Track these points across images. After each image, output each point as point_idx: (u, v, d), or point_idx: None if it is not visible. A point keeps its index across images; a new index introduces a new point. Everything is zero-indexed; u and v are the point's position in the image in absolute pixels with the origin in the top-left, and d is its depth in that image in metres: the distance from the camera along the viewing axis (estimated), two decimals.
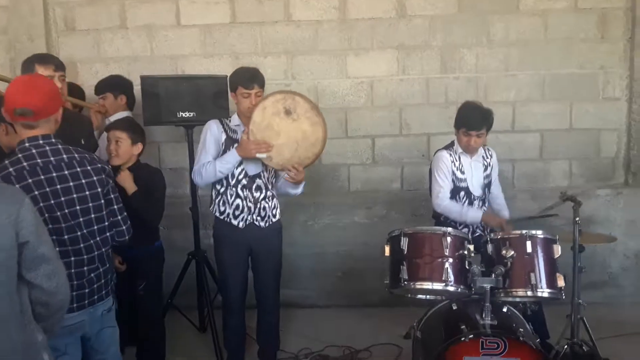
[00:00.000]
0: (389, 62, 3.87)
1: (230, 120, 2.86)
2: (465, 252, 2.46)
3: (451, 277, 2.41)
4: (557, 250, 2.46)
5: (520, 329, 2.30)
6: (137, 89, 3.33)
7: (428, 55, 3.85)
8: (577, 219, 2.56)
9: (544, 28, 3.81)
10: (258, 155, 2.65)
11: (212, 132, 2.80)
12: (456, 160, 3.01)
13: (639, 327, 3.45)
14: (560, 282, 2.41)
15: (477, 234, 3.00)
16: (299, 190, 2.86)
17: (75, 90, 3.43)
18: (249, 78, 2.71)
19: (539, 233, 2.47)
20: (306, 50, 3.86)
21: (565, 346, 2.62)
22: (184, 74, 3.80)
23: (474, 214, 2.93)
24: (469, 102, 3.04)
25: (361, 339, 3.36)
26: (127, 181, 2.73)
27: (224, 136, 2.79)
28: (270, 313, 3.03)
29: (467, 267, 2.45)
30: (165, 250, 3.84)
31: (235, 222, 2.81)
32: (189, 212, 3.47)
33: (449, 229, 2.55)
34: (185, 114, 3.19)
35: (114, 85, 3.35)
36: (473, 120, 2.88)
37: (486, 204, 3.10)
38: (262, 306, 3.01)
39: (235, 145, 2.73)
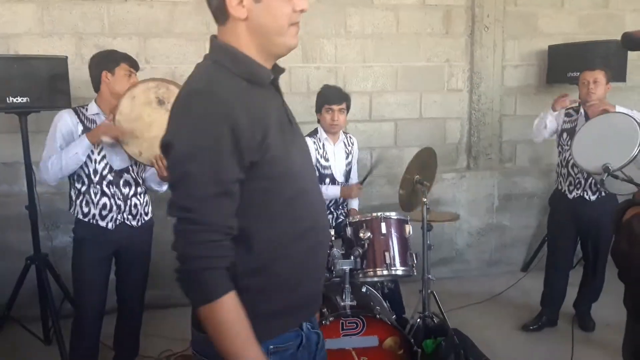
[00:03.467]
0: None
1: (86, 109, 2.53)
2: None
3: None
4: (409, 229, 2.60)
5: (377, 307, 2.40)
6: None
7: None
8: (425, 199, 2.73)
9: (396, 22, 4.03)
10: (112, 142, 2.38)
11: (63, 124, 2.46)
12: (320, 148, 3.06)
13: (481, 296, 3.85)
14: (412, 260, 2.56)
15: (340, 220, 3.08)
16: (163, 188, 2.65)
17: None
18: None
19: (393, 214, 2.59)
20: (160, 33, 3.64)
21: (418, 319, 2.79)
22: (15, 54, 3.34)
23: (333, 190, 3.05)
24: (325, 85, 3.15)
25: None
26: None
27: (80, 127, 2.46)
28: (134, 318, 2.80)
29: (327, 251, 2.48)
30: (1, 254, 3.42)
31: (103, 223, 2.51)
32: (26, 212, 3.07)
33: None
34: (17, 99, 2.80)
35: None
36: (332, 96, 3.00)
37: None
38: (125, 310, 2.77)
39: None
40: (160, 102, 2.42)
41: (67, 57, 2.99)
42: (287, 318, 1.27)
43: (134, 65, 2.52)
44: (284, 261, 1.24)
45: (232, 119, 1.12)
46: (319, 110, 3.05)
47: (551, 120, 3.26)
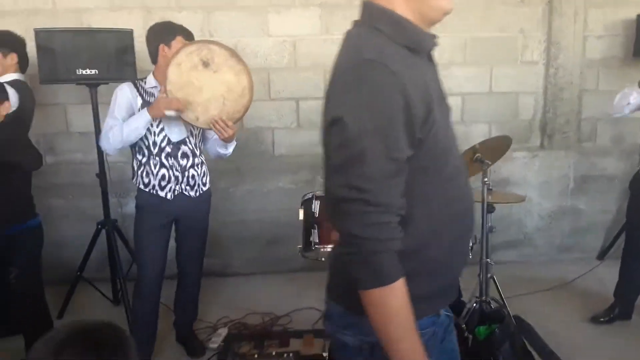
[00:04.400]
0: (312, 21, 3.73)
1: (145, 82, 2.60)
2: None
3: None
4: None
5: None
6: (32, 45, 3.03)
7: (352, 15, 3.71)
8: (486, 179, 2.58)
9: None
10: (176, 114, 2.42)
11: (123, 95, 2.54)
12: None
13: (549, 283, 3.62)
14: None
15: None
16: (230, 149, 2.68)
17: None
18: None
19: None
20: (224, 6, 3.65)
21: (475, 304, 2.68)
22: (84, 27, 3.49)
23: None
24: None
25: (283, 305, 3.32)
26: None
27: (139, 100, 2.55)
28: (193, 284, 2.91)
29: None
30: (74, 219, 3.66)
31: (162, 194, 2.60)
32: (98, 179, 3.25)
33: None
34: (86, 71, 2.93)
35: (2, 42, 2.97)
36: None
37: None
38: (185, 277, 2.88)
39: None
40: (205, 64, 2.41)
41: (132, 30, 3.08)
42: (429, 303, 1.23)
43: (190, 37, 2.55)
44: (437, 245, 1.19)
45: (406, 92, 1.05)
46: None
47: (635, 97, 2.95)
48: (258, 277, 3.83)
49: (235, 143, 2.66)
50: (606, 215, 4.10)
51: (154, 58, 2.57)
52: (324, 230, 2.42)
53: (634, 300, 3.11)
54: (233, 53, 2.44)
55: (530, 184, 3.98)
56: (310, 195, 2.50)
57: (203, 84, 2.41)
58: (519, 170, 3.97)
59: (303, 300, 3.36)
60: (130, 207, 3.63)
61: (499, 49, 3.88)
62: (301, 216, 2.53)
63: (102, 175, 3.23)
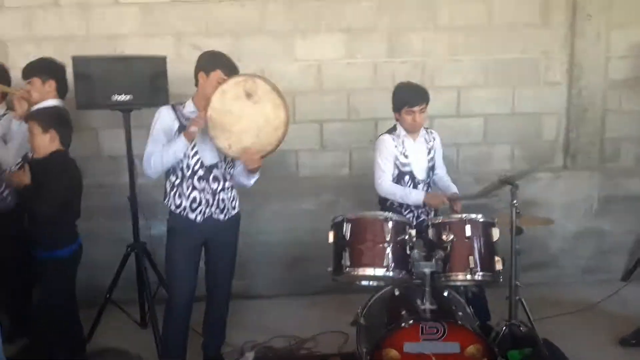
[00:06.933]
0: (336, 46, 3.81)
1: (184, 107, 2.67)
2: (407, 237, 2.46)
3: (392, 263, 2.40)
4: (496, 233, 2.49)
5: (459, 313, 2.32)
6: (70, 71, 3.14)
7: (375, 39, 3.82)
8: (515, 201, 2.60)
9: (488, 13, 3.84)
10: (193, 129, 2.49)
11: (162, 120, 2.62)
12: (399, 145, 3.00)
13: (576, 305, 3.60)
14: (498, 265, 2.45)
15: (421, 219, 3.01)
16: (252, 181, 2.73)
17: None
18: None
19: (479, 217, 2.49)
20: (252, 32, 3.75)
21: (504, 327, 2.67)
22: (119, 54, 3.60)
23: (416, 195, 2.95)
24: (402, 83, 3.05)
25: (308, 328, 3.33)
26: (18, 177, 2.59)
27: (176, 124, 2.61)
28: (221, 307, 2.94)
29: (408, 252, 2.45)
30: (104, 242, 3.71)
31: (192, 216, 2.66)
32: (128, 202, 3.31)
33: (391, 214, 2.55)
34: (121, 97, 3.02)
35: (42, 68, 3.06)
36: (413, 98, 2.92)
37: (430, 188, 3.12)
38: (213, 299, 2.91)
39: None
40: (248, 95, 2.49)
41: (165, 56, 3.17)
42: None
43: (231, 72, 2.57)
44: None
45: None
46: (397, 110, 2.98)
47: None
48: (282, 299, 3.84)
49: (257, 176, 2.71)
50: (630, 235, 4.07)
51: (197, 82, 2.65)
52: (355, 252, 2.44)
53: None
54: (275, 88, 2.52)
55: (554, 205, 3.97)
56: (340, 218, 2.53)
57: (242, 114, 2.49)
58: (543, 191, 3.97)
59: (328, 323, 3.36)
60: (158, 229, 3.69)
61: (521, 71, 3.92)
62: (331, 239, 2.56)
63: (132, 198, 3.30)
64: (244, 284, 3.79)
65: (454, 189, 3.10)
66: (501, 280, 2.48)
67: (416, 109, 2.90)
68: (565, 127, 4.03)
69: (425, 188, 3.06)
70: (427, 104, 2.95)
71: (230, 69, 2.59)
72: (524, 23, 3.86)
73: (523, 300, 2.78)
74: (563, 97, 3.99)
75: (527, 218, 2.96)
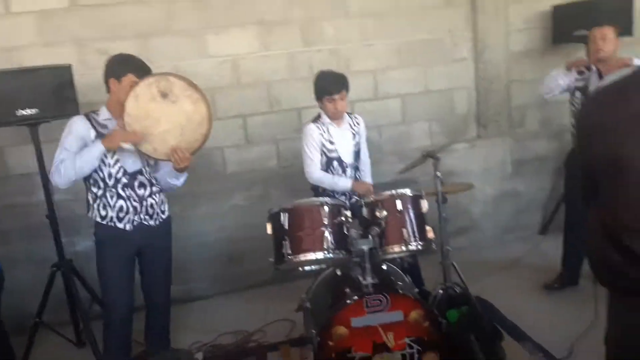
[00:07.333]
0: (250, 39, 3.78)
1: (98, 114, 2.55)
2: (343, 219, 2.52)
3: (332, 245, 2.45)
4: (425, 205, 2.61)
5: (399, 283, 2.42)
6: None
7: (289, 30, 3.84)
8: (438, 173, 2.74)
9: None
10: (133, 147, 2.40)
11: (75, 129, 2.48)
12: (325, 132, 3.07)
13: (502, 263, 3.87)
14: (430, 234, 2.57)
15: (353, 200, 3.10)
16: (181, 180, 2.66)
17: None
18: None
19: (407, 191, 2.60)
20: (161, 31, 3.64)
21: (440, 290, 2.82)
22: (19, 66, 3.36)
23: (344, 183, 3.05)
24: (322, 72, 3.10)
25: (254, 321, 3.33)
26: None
27: (92, 133, 2.48)
28: (162, 314, 2.86)
29: (346, 232, 2.51)
30: (26, 264, 3.50)
31: (121, 225, 2.56)
32: (47, 221, 3.13)
33: (326, 199, 2.59)
34: (26, 112, 2.84)
35: None
36: (331, 85, 2.98)
37: (359, 171, 3.21)
38: (153, 307, 2.82)
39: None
40: (164, 95, 2.41)
41: (70, 65, 3.02)
42: None
43: (144, 74, 2.47)
44: None
45: None
46: (319, 99, 3.04)
47: (563, 78, 3.27)
48: (224, 297, 3.81)
49: (187, 175, 2.65)
50: (543, 193, 4.42)
51: (108, 89, 2.54)
52: (295, 240, 2.47)
53: (579, 267, 3.38)
54: (191, 83, 2.46)
55: (473, 173, 4.22)
56: (277, 209, 2.55)
57: (161, 115, 2.42)
58: (461, 161, 4.20)
59: (273, 314, 3.38)
60: (83, 244, 3.53)
61: (431, 50, 4.10)
62: (269, 230, 2.57)
63: (52, 215, 3.12)
64: (183, 288, 3.71)
65: (368, 179, 3.24)
66: (434, 247, 2.61)
67: (336, 96, 2.97)
68: (476, 100, 4.28)
69: (353, 172, 3.15)
70: (347, 90, 3.02)
71: (143, 71, 2.50)
72: (429, 5, 4.04)
73: (454, 263, 2.95)
74: (471, 72, 4.23)
75: (449, 186, 3.13)
